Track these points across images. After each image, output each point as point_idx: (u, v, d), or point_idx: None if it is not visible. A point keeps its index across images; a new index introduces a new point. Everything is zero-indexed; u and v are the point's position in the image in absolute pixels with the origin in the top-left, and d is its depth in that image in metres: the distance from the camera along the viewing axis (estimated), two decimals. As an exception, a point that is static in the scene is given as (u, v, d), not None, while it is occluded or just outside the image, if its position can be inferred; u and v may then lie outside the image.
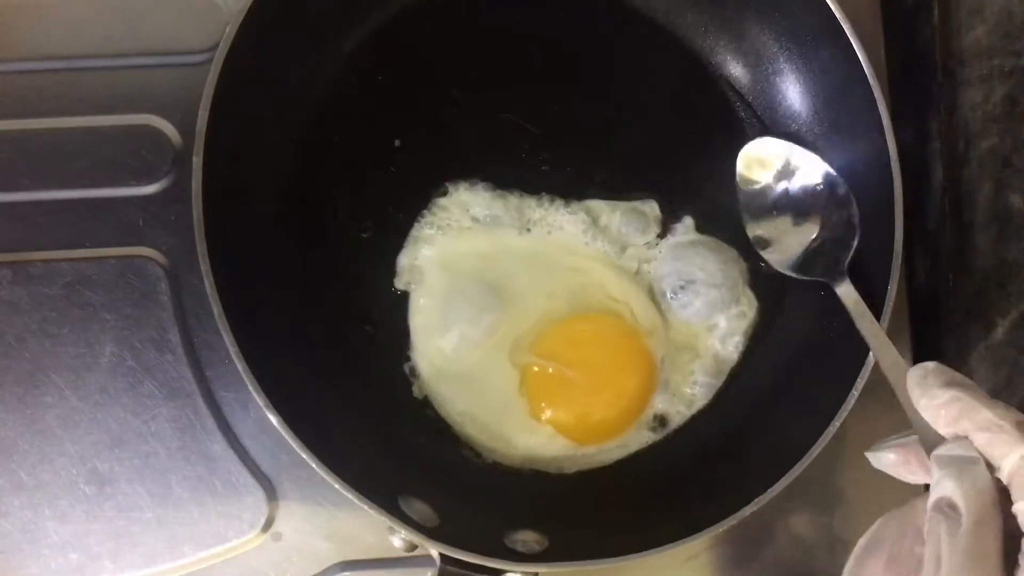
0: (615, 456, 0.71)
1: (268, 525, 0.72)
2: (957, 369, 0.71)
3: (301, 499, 0.72)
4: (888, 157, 0.66)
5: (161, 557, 0.71)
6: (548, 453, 0.70)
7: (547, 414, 0.70)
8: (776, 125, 0.76)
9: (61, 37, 0.79)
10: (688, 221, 0.75)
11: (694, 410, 0.72)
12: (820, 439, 0.63)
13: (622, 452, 0.71)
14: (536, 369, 0.70)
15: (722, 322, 0.73)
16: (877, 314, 0.64)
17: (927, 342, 0.76)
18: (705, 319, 0.73)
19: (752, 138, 0.75)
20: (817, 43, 0.72)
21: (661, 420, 0.72)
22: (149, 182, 0.77)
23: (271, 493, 0.72)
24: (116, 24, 0.80)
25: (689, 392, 0.72)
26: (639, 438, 0.71)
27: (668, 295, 0.72)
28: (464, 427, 0.71)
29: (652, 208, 0.75)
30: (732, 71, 0.78)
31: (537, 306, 0.71)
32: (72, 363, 0.74)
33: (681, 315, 0.72)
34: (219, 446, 0.73)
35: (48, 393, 0.74)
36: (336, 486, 0.59)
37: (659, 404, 0.72)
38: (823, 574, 0.73)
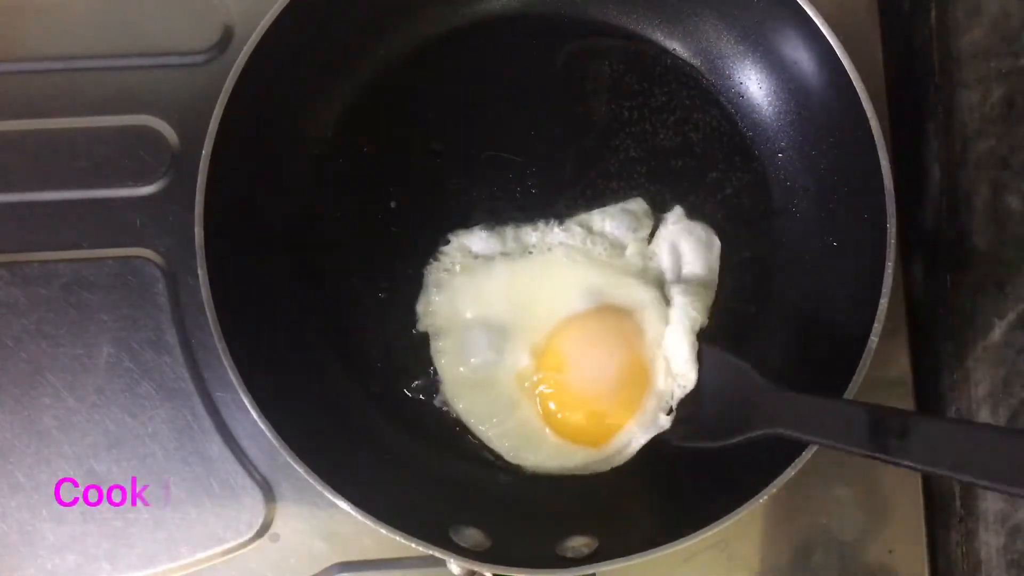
0: (637, 447, 0.71)
1: (266, 526, 0.72)
2: (955, 370, 0.72)
3: (299, 500, 0.72)
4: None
5: (159, 558, 0.71)
6: (578, 459, 0.71)
7: (557, 428, 0.71)
8: (756, 130, 0.78)
9: (60, 37, 0.79)
10: (678, 210, 0.76)
11: None
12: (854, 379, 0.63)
13: (645, 438, 0.71)
14: (538, 380, 0.71)
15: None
16: (868, 327, 0.64)
17: (925, 343, 0.76)
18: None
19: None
20: (788, 36, 0.73)
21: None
22: (147, 183, 0.77)
23: (269, 494, 0.72)
24: (115, 25, 0.80)
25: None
26: (658, 423, 0.71)
27: (669, 279, 0.74)
28: (502, 448, 0.71)
29: (639, 204, 0.76)
30: (696, 62, 0.79)
31: (544, 318, 0.72)
32: (69, 364, 0.74)
33: (683, 296, 0.73)
34: (217, 447, 0.73)
35: (45, 394, 0.73)
36: (386, 532, 0.61)
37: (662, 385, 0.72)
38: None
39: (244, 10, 0.80)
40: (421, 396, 0.72)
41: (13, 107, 0.78)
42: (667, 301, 0.72)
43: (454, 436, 0.72)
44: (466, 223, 0.75)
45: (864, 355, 0.64)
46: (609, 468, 0.71)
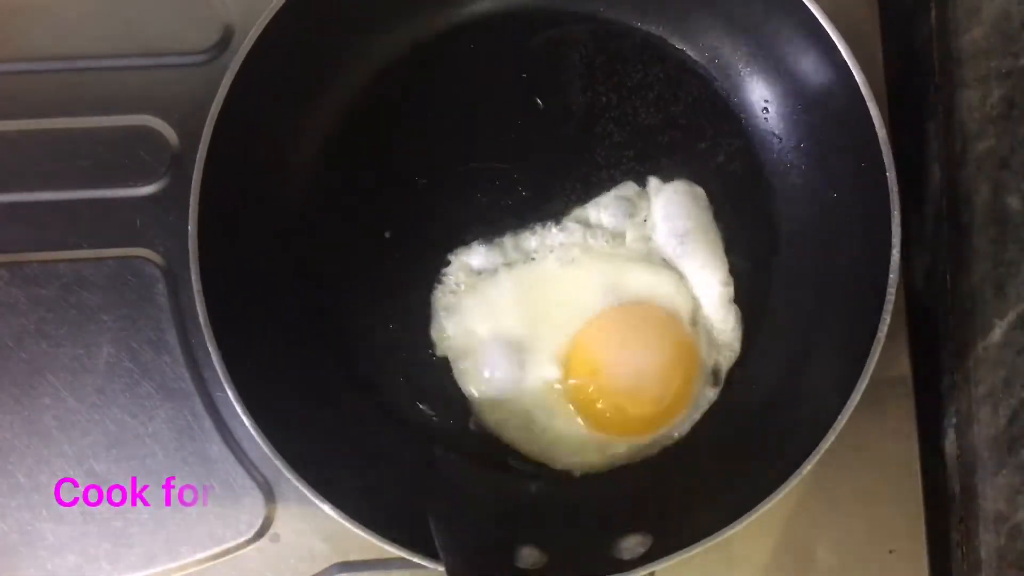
0: (689, 425, 0.72)
1: (266, 526, 0.72)
2: (955, 371, 0.72)
3: (299, 500, 0.72)
4: (884, 164, 0.67)
5: (159, 559, 0.71)
6: (624, 449, 0.71)
7: (603, 426, 0.71)
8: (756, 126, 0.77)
9: (60, 37, 0.79)
10: (652, 180, 0.76)
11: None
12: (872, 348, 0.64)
13: (693, 418, 0.72)
14: (572, 386, 0.71)
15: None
16: (875, 328, 0.64)
17: (925, 344, 0.76)
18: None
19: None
20: (796, 39, 0.73)
21: (716, 374, 0.73)
22: (147, 183, 0.77)
23: (269, 495, 0.72)
24: (115, 25, 0.80)
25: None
26: (704, 398, 0.72)
27: (675, 254, 0.74)
28: (547, 459, 0.72)
29: (630, 188, 0.76)
30: (662, 32, 0.79)
31: (563, 322, 0.72)
32: (69, 364, 0.74)
33: (696, 263, 0.73)
34: (217, 447, 0.73)
35: (45, 394, 0.74)
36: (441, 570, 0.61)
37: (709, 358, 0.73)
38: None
39: (244, 10, 0.79)
40: (453, 421, 0.72)
41: (13, 107, 0.78)
42: (681, 275, 0.73)
43: (492, 459, 0.72)
44: (463, 240, 0.75)
45: (884, 311, 0.64)
46: (659, 450, 0.71)
